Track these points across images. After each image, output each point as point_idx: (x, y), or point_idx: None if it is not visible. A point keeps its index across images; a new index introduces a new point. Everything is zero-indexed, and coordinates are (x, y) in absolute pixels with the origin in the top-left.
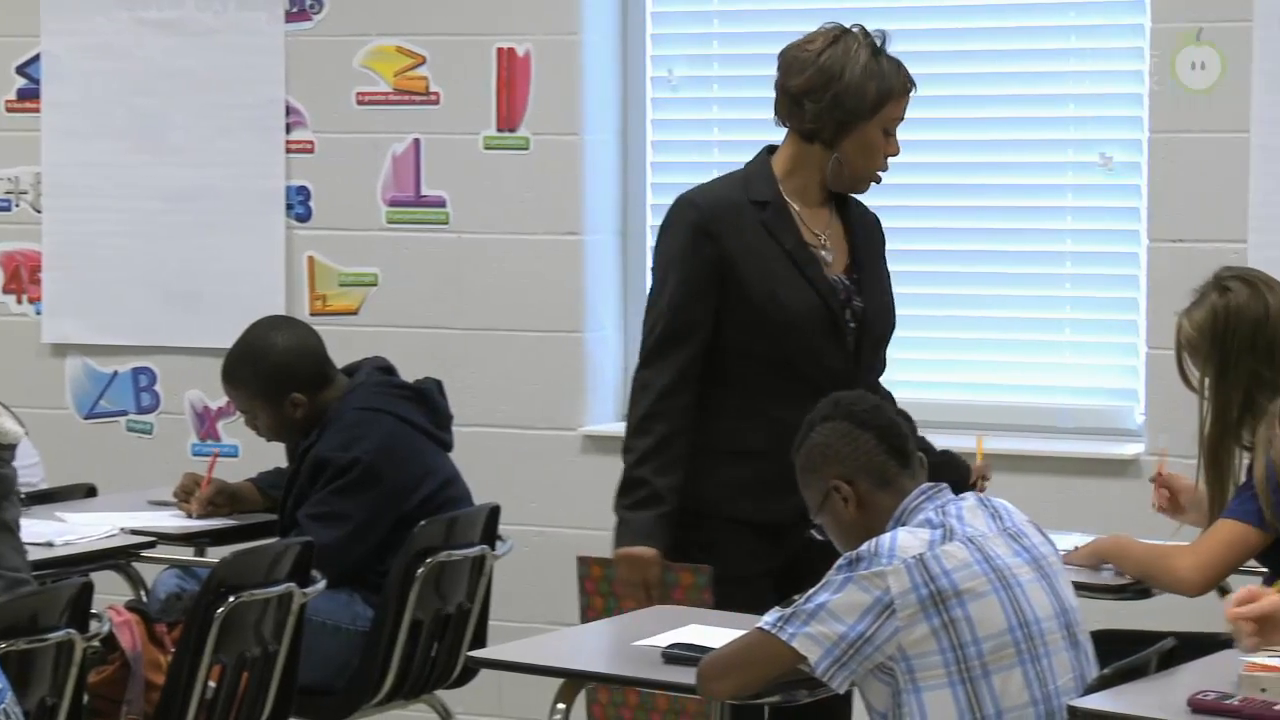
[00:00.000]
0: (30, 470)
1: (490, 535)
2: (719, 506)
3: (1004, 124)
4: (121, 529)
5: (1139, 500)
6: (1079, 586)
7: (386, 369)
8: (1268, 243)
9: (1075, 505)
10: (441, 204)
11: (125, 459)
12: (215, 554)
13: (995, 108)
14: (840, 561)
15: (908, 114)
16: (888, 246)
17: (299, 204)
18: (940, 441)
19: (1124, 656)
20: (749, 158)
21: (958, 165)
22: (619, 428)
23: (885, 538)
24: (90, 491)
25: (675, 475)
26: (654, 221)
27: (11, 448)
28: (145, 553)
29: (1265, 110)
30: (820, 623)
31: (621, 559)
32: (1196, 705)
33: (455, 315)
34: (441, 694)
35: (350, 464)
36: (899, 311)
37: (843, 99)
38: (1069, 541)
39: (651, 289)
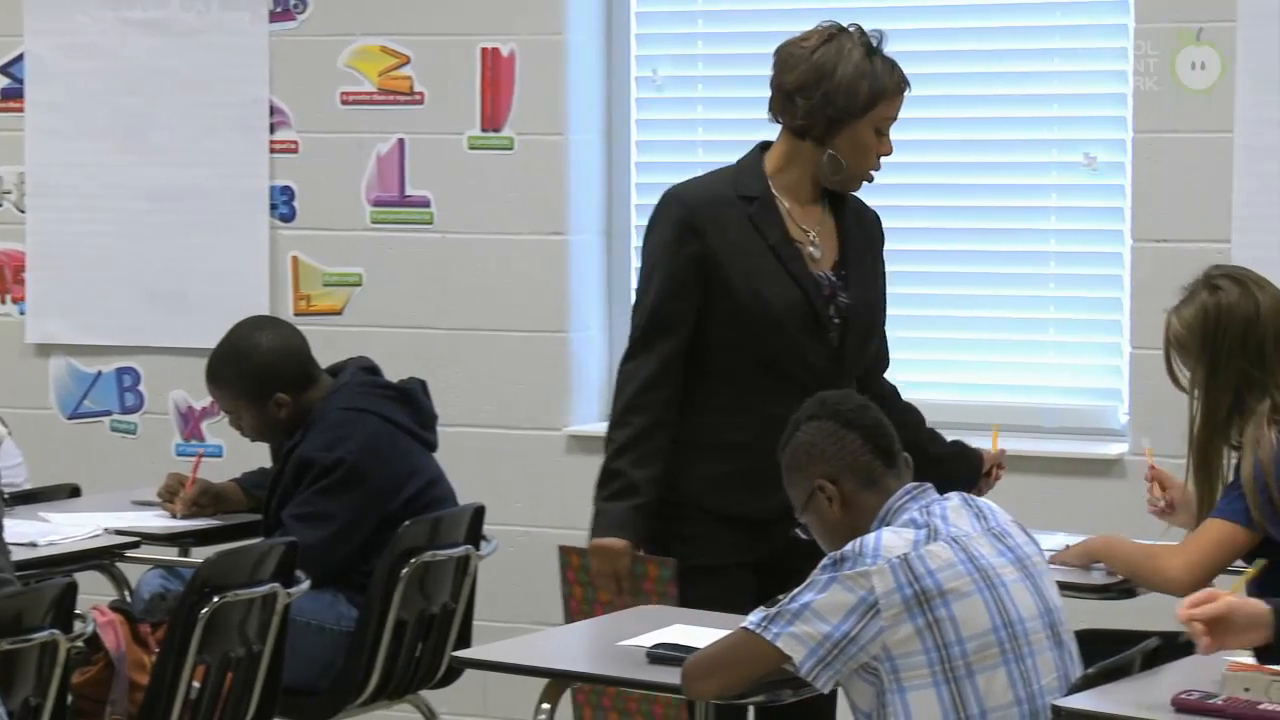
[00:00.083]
0: (14, 470)
1: (475, 535)
2: (701, 499)
3: (988, 124)
4: (105, 529)
5: (1123, 500)
6: (1064, 586)
7: (371, 369)
8: (1251, 243)
9: (1059, 505)
10: (426, 204)
11: (109, 459)
12: (199, 554)
13: (979, 108)
14: (825, 561)
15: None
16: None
17: (283, 204)
18: None
19: (1108, 656)
20: (734, 158)
21: (942, 165)
22: (604, 428)
23: (870, 537)
24: (74, 492)
25: (653, 467)
26: (639, 221)
27: None
28: (129, 553)
29: (1249, 110)
30: (805, 623)
31: (594, 550)
32: (1180, 705)
33: (440, 315)
34: (426, 694)
35: (335, 464)
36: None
37: (834, 97)
38: (1053, 541)
39: (638, 284)
